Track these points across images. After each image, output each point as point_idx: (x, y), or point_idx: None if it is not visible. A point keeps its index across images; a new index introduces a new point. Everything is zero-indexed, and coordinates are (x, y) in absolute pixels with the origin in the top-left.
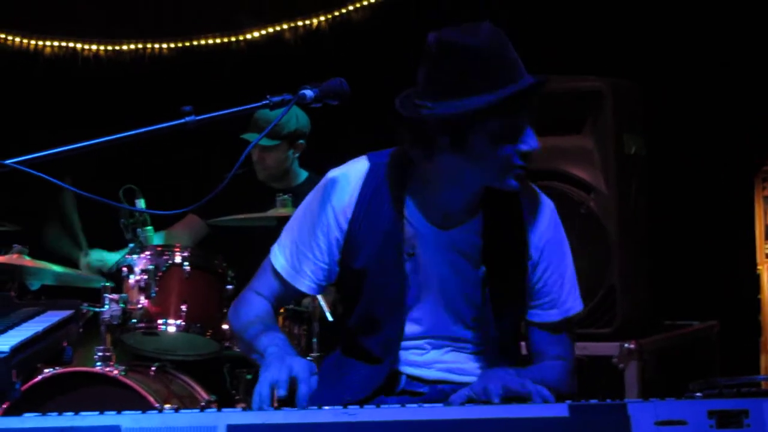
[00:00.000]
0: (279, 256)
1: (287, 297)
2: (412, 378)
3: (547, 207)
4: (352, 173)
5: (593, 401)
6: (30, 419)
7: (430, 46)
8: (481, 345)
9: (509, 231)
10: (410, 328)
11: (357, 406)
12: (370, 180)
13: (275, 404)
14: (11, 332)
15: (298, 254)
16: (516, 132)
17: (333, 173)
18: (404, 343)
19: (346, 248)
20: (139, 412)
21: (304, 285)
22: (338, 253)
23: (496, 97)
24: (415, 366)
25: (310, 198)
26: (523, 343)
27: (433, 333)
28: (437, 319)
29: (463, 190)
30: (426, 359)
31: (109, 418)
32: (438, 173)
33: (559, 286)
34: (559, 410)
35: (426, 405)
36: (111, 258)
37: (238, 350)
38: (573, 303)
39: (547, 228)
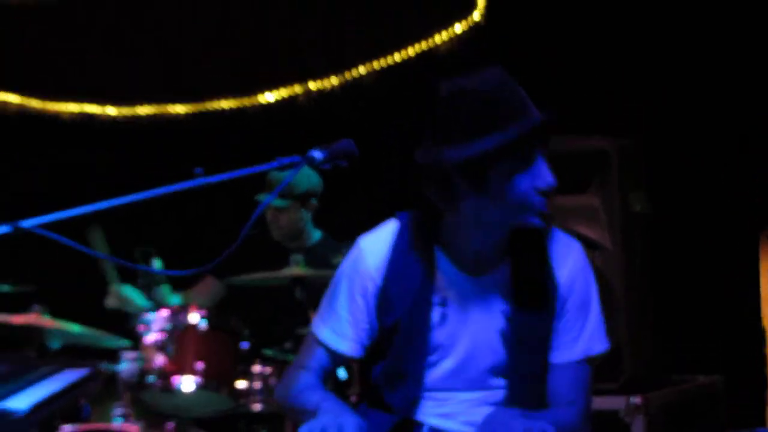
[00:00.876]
0: (321, 327)
1: (333, 366)
2: (435, 431)
3: (574, 247)
4: (382, 235)
5: None
6: None
7: (441, 94)
8: (507, 396)
9: (537, 273)
10: (435, 380)
11: None
12: (400, 238)
13: None
14: (30, 390)
15: (340, 320)
16: (531, 168)
17: (364, 237)
18: (429, 394)
19: (379, 306)
20: None
21: (350, 348)
22: (375, 311)
23: (508, 134)
24: (438, 417)
25: (345, 265)
26: None
27: (456, 385)
28: (464, 368)
29: (490, 234)
30: (449, 411)
31: None
32: (464, 220)
33: (582, 323)
34: None
35: None
36: (139, 300)
37: (255, 408)
38: (596, 342)
39: (573, 266)
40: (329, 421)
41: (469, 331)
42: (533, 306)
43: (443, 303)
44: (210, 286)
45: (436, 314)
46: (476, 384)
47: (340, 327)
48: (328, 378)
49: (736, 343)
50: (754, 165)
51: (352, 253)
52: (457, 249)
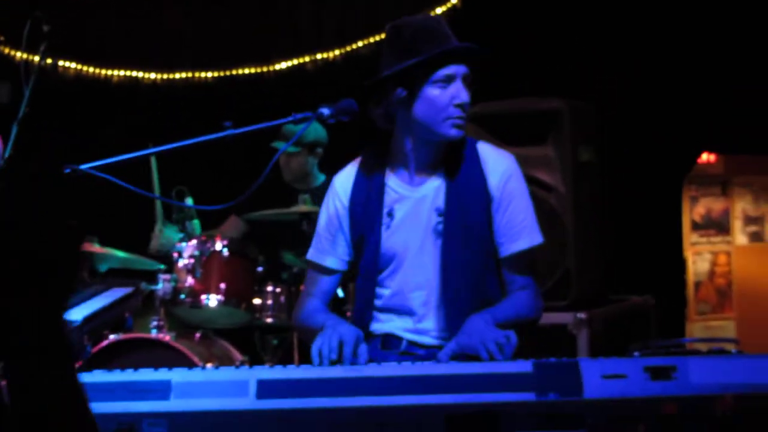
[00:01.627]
0: (311, 250)
1: (331, 286)
2: (411, 343)
3: (506, 156)
4: (348, 168)
5: (552, 360)
6: (99, 375)
7: (387, 32)
8: (463, 293)
9: (469, 177)
10: (393, 277)
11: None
12: (361, 167)
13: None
14: (83, 305)
15: (322, 240)
16: (449, 86)
17: (337, 174)
18: (395, 305)
19: (350, 226)
20: (186, 368)
21: (334, 263)
22: (349, 231)
23: (431, 53)
24: (412, 332)
25: (325, 198)
26: None
27: (412, 281)
28: (413, 266)
29: (424, 146)
30: (422, 327)
31: (163, 374)
32: (399, 132)
33: (522, 218)
34: (525, 366)
35: (418, 363)
36: (177, 238)
37: (267, 321)
38: (536, 235)
39: (505, 171)
40: (331, 333)
41: (411, 234)
42: (466, 202)
43: (390, 213)
44: (234, 224)
45: (384, 224)
46: (417, 276)
47: (324, 246)
48: (330, 299)
49: (664, 269)
50: (679, 123)
51: (330, 185)
52: (400, 164)
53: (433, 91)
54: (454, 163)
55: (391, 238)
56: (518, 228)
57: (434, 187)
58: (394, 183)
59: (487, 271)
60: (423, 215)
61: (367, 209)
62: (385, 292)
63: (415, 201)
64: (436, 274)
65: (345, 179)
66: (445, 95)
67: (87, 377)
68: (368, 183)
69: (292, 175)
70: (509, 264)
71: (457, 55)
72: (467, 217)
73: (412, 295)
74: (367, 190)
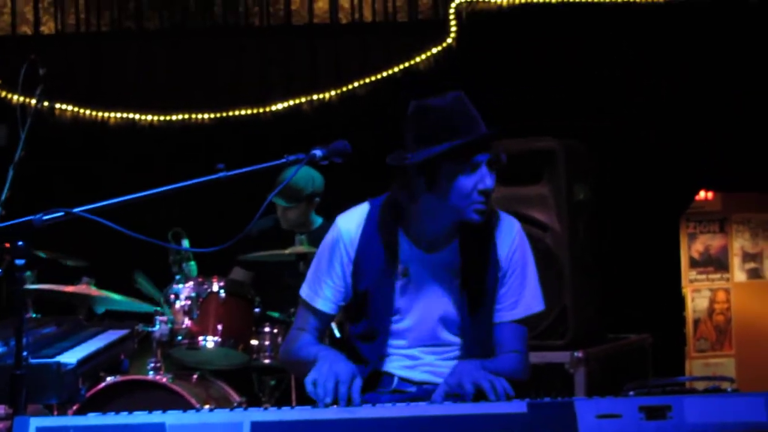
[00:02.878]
0: (305, 288)
1: (321, 324)
2: (403, 380)
3: (514, 225)
4: (355, 214)
5: (547, 399)
6: (93, 418)
7: (410, 111)
8: (461, 349)
9: (482, 248)
10: (401, 338)
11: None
12: (371, 219)
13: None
14: (78, 347)
15: (319, 282)
16: (475, 173)
17: (341, 217)
18: (398, 351)
19: (354, 273)
20: (181, 411)
21: (325, 306)
22: (350, 277)
23: (454, 143)
24: (405, 369)
25: (326, 238)
26: None
27: (420, 342)
28: (424, 328)
29: (441, 222)
30: (414, 364)
31: (156, 417)
32: (420, 211)
33: (522, 288)
34: (519, 407)
35: (412, 403)
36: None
37: (265, 362)
38: (534, 303)
39: (512, 241)
40: (326, 369)
41: (424, 298)
42: (478, 274)
43: (405, 273)
44: (237, 274)
45: (398, 283)
46: (432, 340)
47: (319, 288)
48: (322, 337)
49: (662, 308)
50: (675, 162)
51: (332, 228)
52: (415, 231)
53: (458, 179)
54: (468, 231)
55: (404, 297)
56: (517, 297)
57: (449, 254)
58: (407, 246)
59: (492, 331)
60: (438, 282)
61: (377, 266)
62: (393, 342)
63: (429, 266)
64: (451, 341)
65: (352, 228)
66: (470, 182)
67: (81, 420)
68: (379, 239)
69: (289, 224)
70: (503, 329)
71: (483, 142)
72: (483, 288)
73: (421, 349)
74: (377, 246)
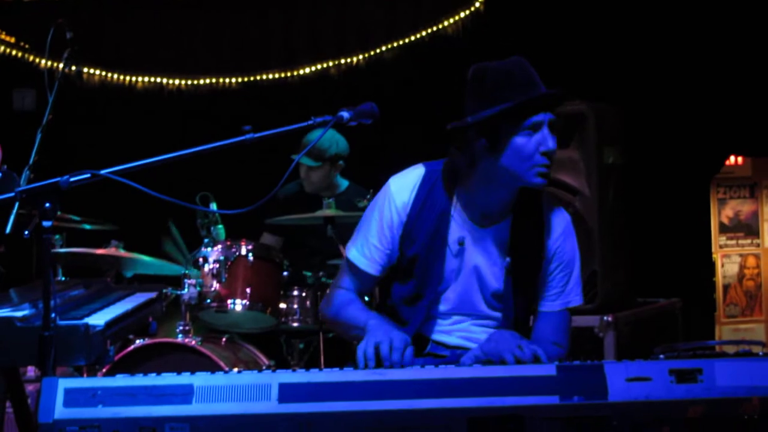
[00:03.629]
0: (352, 250)
1: (363, 284)
2: (436, 343)
3: (564, 218)
4: (409, 177)
5: (576, 362)
6: (122, 379)
7: (470, 74)
8: (499, 323)
9: (532, 232)
10: (443, 304)
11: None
12: (424, 184)
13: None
14: (107, 309)
15: (367, 243)
16: (536, 134)
17: (394, 179)
18: (438, 316)
19: (402, 238)
20: (209, 373)
21: (371, 268)
22: (398, 241)
23: (517, 101)
24: (440, 333)
25: (376, 199)
26: None
27: (460, 310)
28: (467, 298)
29: (499, 194)
30: (450, 329)
31: (185, 378)
32: (478, 179)
33: (566, 282)
34: (549, 370)
35: (441, 366)
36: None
37: (293, 325)
38: (574, 297)
39: (561, 233)
40: (381, 337)
41: (473, 270)
42: (525, 256)
43: (461, 243)
44: (268, 240)
45: (449, 252)
46: (473, 311)
47: (367, 250)
48: (360, 294)
49: (692, 272)
50: (705, 124)
51: (383, 190)
52: (471, 201)
53: (518, 140)
54: (523, 212)
55: (451, 269)
56: (560, 290)
57: (500, 233)
58: (460, 215)
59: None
60: (487, 258)
61: (428, 233)
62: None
63: (480, 240)
64: (490, 314)
65: (405, 190)
66: (531, 143)
67: (109, 382)
68: (432, 204)
69: (314, 186)
70: (543, 319)
71: (546, 104)
72: (528, 271)
73: (460, 320)
74: (429, 211)
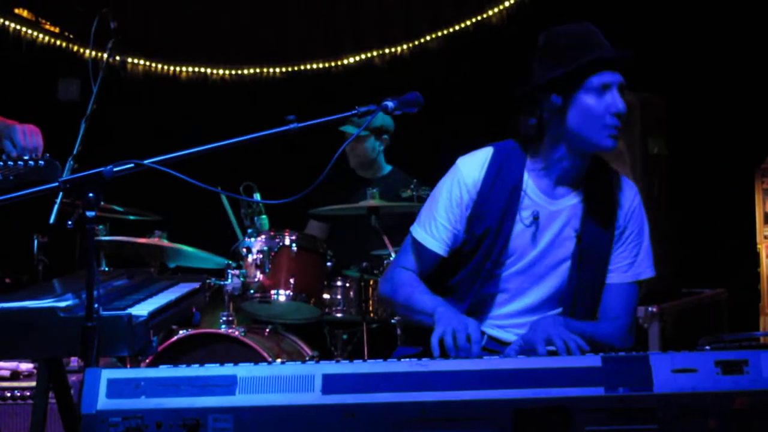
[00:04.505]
0: (418, 229)
1: (425, 264)
2: (492, 338)
3: (633, 189)
4: (478, 157)
5: (621, 353)
6: (165, 370)
7: (542, 40)
8: (565, 299)
9: (603, 204)
10: (511, 274)
11: (429, 359)
12: (494, 161)
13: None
14: (150, 300)
15: (436, 223)
16: (605, 95)
17: (462, 159)
18: (495, 311)
19: (471, 216)
20: (252, 363)
21: (439, 248)
22: (466, 221)
23: (587, 59)
24: (497, 329)
25: (445, 179)
26: None
27: (527, 283)
28: (534, 270)
29: (569, 159)
30: (506, 324)
31: (228, 369)
32: (549, 145)
33: (636, 253)
34: (594, 361)
35: (486, 357)
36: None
37: (337, 315)
38: (645, 269)
39: (632, 202)
40: (456, 325)
41: (543, 243)
42: (598, 225)
43: (524, 219)
44: (314, 227)
45: (524, 224)
46: (538, 287)
47: (435, 229)
48: (421, 274)
49: (737, 263)
50: (750, 115)
51: (452, 170)
52: (541, 175)
53: (589, 100)
54: (593, 184)
55: (521, 243)
56: (631, 260)
57: (572, 205)
58: (532, 190)
59: (600, 291)
60: (558, 229)
61: (498, 208)
62: (493, 289)
63: (552, 213)
64: (558, 288)
65: (474, 168)
66: (601, 104)
67: (152, 372)
68: (503, 180)
69: (358, 159)
70: (611, 291)
71: (612, 63)
72: (598, 242)
73: (522, 300)
74: (500, 187)
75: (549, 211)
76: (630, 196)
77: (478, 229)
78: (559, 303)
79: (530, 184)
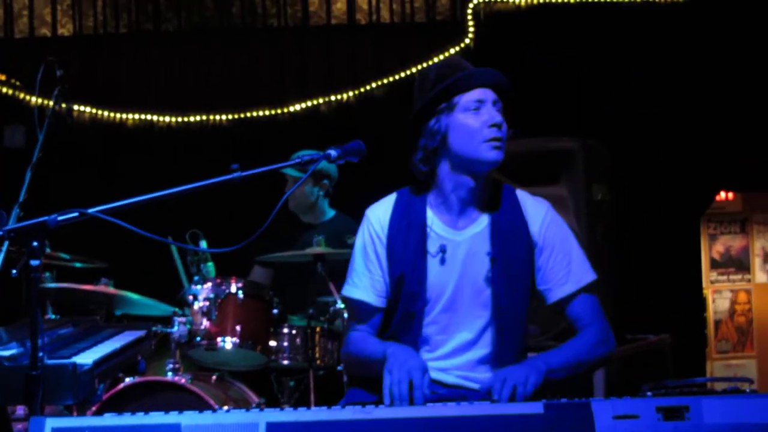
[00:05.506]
0: (347, 287)
1: (369, 319)
2: (434, 381)
3: (544, 203)
4: (384, 202)
5: (564, 400)
6: (109, 418)
7: (416, 79)
8: (494, 323)
9: (513, 222)
10: (435, 325)
11: (373, 406)
12: (399, 204)
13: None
14: (95, 348)
15: (360, 276)
16: (479, 111)
17: (370, 208)
18: (432, 353)
19: (388, 260)
20: (197, 411)
21: (373, 299)
22: (386, 263)
23: (456, 77)
24: (438, 371)
25: (358, 233)
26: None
27: (454, 318)
28: (456, 304)
29: (464, 185)
30: (448, 365)
31: (172, 417)
32: (441, 176)
33: (567, 263)
34: (536, 408)
35: (429, 404)
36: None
37: (284, 363)
38: (584, 274)
39: (545, 217)
40: (397, 369)
41: (459, 276)
42: (510, 250)
43: (435, 254)
44: (258, 273)
45: (434, 261)
46: (466, 319)
47: (361, 281)
48: (375, 331)
49: (682, 308)
50: (695, 160)
51: (363, 222)
52: (443, 211)
53: (465, 118)
54: (496, 207)
55: (437, 279)
56: (565, 271)
57: (478, 232)
58: (437, 225)
59: (527, 314)
60: (470, 259)
61: (408, 248)
62: (426, 330)
63: (460, 244)
64: (484, 314)
65: (381, 213)
66: (478, 119)
67: (97, 421)
68: (408, 222)
69: (295, 201)
70: (563, 307)
71: (482, 81)
72: (513, 262)
73: (456, 336)
74: (406, 229)
75: (457, 243)
76: (540, 213)
77: (395, 273)
78: (490, 331)
79: (435, 220)
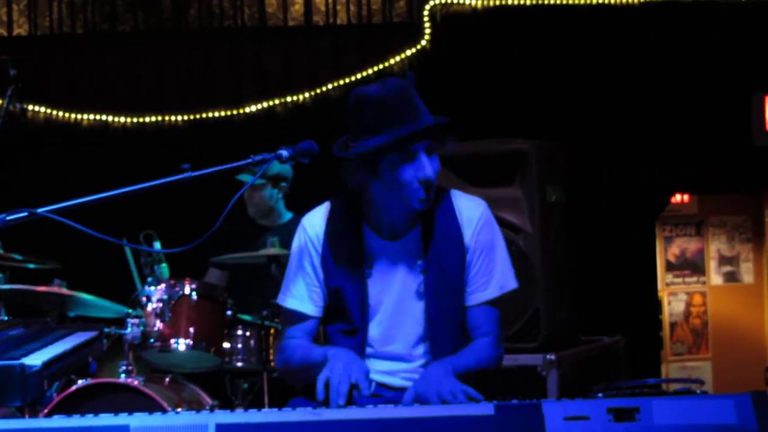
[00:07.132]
0: (283, 296)
1: (305, 328)
2: (380, 385)
3: (479, 206)
4: (318, 212)
5: (514, 401)
6: (58, 420)
7: (350, 100)
8: (429, 335)
9: (446, 228)
10: (377, 332)
11: (324, 407)
12: (333, 214)
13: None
14: (45, 349)
15: (296, 286)
16: (414, 162)
17: (305, 217)
18: (376, 353)
19: (324, 271)
20: (146, 413)
21: (309, 309)
22: (322, 275)
23: (392, 135)
24: (383, 374)
25: (294, 242)
26: None
27: (394, 337)
28: (396, 317)
29: (396, 211)
30: (392, 369)
31: (121, 419)
32: (373, 200)
33: (492, 268)
34: (487, 409)
35: (378, 406)
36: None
37: (237, 364)
38: (506, 281)
39: (478, 220)
40: (340, 369)
41: (394, 288)
42: (443, 258)
43: (370, 266)
44: (214, 275)
45: (368, 274)
46: (401, 331)
47: (297, 291)
48: (310, 339)
49: (637, 311)
50: (650, 163)
51: (298, 230)
52: (376, 220)
53: (397, 167)
54: (431, 216)
55: (372, 292)
56: (487, 278)
57: (413, 241)
58: (370, 236)
59: (463, 321)
60: (404, 269)
61: (343, 261)
62: (365, 341)
63: (394, 255)
64: (419, 326)
65: (316, 224)
66: (410, 172)
67: (45, 423)
68: (342, 234)
69: (255, 207)
70: (475, 312)
71: (422, 137)
72: (447, 270)
73: (394, 345)
74: (340, 241)
75: (392, 253)
76: (475, 215)
77: (330, 285)
78: (425, 343)
79: (368, 230)
